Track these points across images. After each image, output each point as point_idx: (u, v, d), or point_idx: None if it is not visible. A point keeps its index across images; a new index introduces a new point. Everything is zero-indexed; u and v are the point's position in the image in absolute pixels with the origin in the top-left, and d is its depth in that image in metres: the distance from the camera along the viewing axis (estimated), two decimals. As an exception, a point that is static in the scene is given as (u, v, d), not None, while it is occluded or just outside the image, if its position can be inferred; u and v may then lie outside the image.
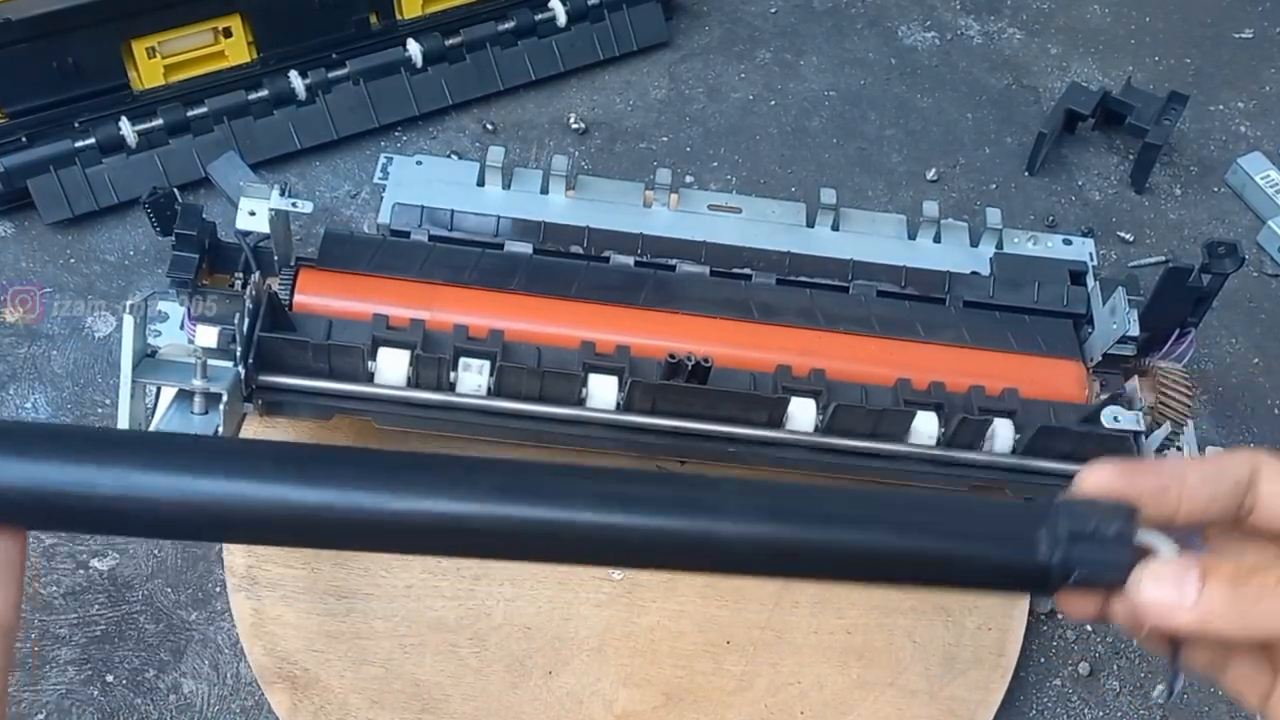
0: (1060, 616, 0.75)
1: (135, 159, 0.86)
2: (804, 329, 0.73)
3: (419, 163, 0.84)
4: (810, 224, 0.85)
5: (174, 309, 0.70)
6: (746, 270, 0.81)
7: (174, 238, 0.69)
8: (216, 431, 0.64)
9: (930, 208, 0.84)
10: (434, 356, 0.66)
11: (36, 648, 0.69)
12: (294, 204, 0.68)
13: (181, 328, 0.69)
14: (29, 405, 0.78)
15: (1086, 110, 0.97)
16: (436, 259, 0.74)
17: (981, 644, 0.73)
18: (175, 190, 0.70)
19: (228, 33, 0.87)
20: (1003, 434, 0.69)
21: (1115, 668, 0.74)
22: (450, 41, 0.93)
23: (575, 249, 0.80)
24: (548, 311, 0.72)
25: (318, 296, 0.71)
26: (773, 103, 1.00)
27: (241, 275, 0.71)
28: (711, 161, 0.96)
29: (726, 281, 0.76)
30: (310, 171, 0.91)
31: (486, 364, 0.67)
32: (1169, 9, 1.11)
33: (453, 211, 0.80)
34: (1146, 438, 0.70)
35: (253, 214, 0.68)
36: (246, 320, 0.64)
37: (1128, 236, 0.95)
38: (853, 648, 0.72)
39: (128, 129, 0.85)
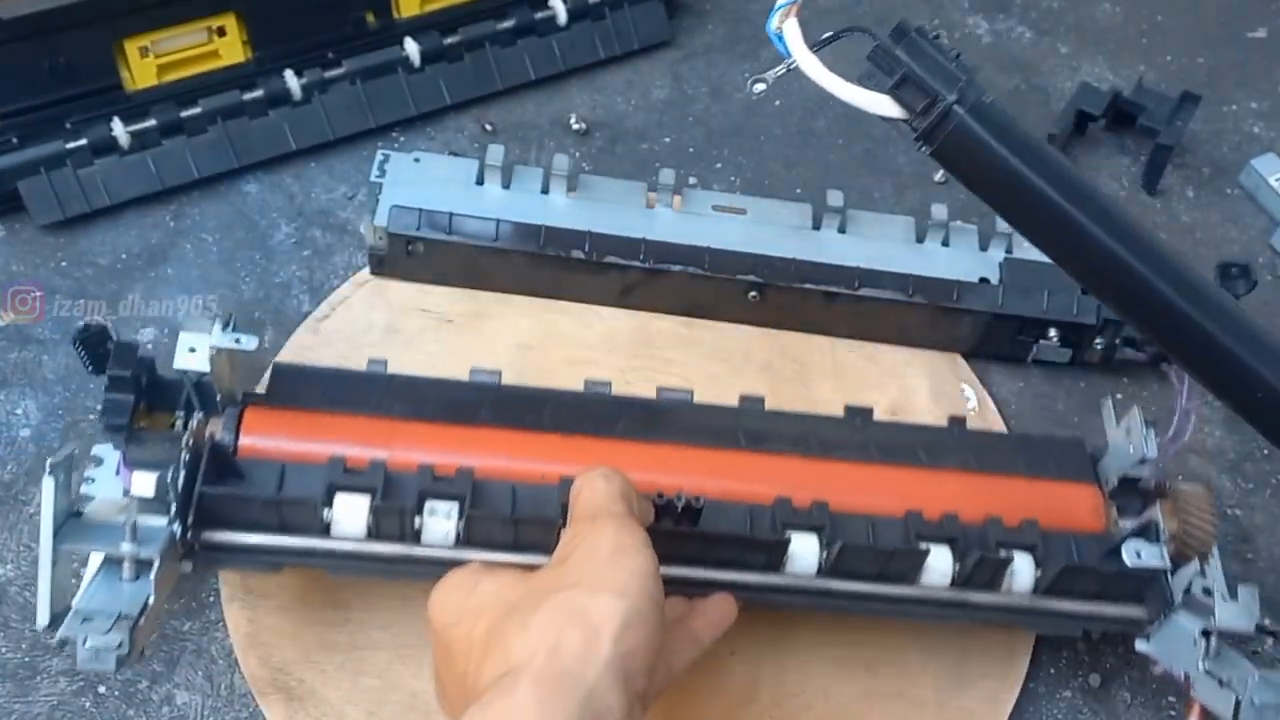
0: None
1: (128, 160, 0.84)
2: (799, 458, 0.69)
3: (416, 160, 0.83)
4: (816, 226, 0.84)
5: (109, 453, 0.63)
6: (751, 276, 0.80)
7: (106, 379, 0.63)
8: (146, 603, 0.57)
9: (939, 210, 0.83)
10: (395, 506, 0.60)
11: (27, 658, 0.67)
12: (237, 340, 0.62)
13: (117, 473, 0.63)
14: (19, 411, 0.77)
15: (1097, 111, 0.96)
16: (396, 391, 0.69)
17: (991, 655, 0.72)
18: (109, 325, 0.65)
19: (222, 32, 0.86)
20: (1023, 571, 0.65)
21: (1127, 679, 0.73)
22: (448, 40, 0.92)
23: (576, 253, 0.80)
24: (519, 447, 0.67)
25: (267, 438, 0.65)
26: (777, 103, 0.99)
27: (184, 414, 0.65)
28: (715, 162, 0.94)
29: (711, 408, 0.72)
30: (306, 173, 0.90)
31: (455, 507, 0.61)
32: (1181, 7, 1.09)
33: (451, 214, 0.79)
34: (1173, 575, 0.65)
35: (193, 350, 0.63)
36: (183, 473, 0.59)
37: (1139, 239, 0.93)
38: (859, 659, 0.70)
39: (120, 130, 0.83)
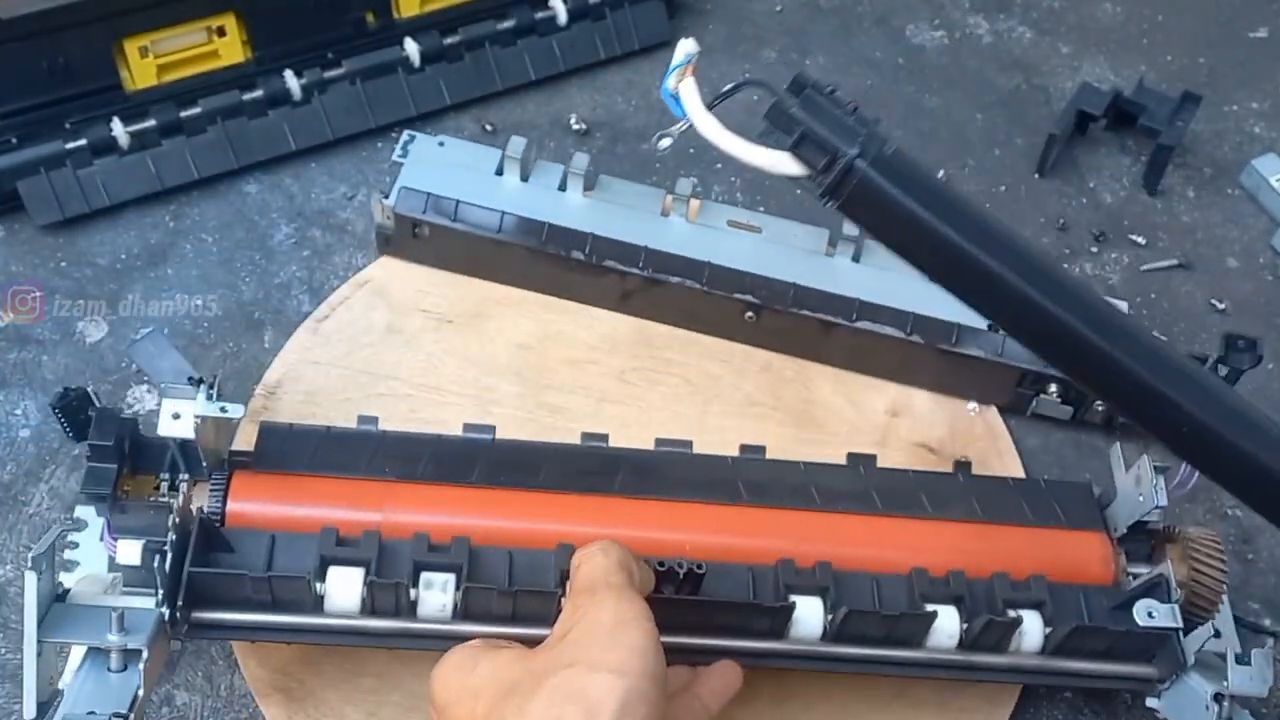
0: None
1: (127, 160, 0.84)
2: (801, 511, 0.67)
3: (441, 144, 0.83)
4: (831, 249, 0.82)
5: (92, 516, 0.63)
6: (748, 296, 0.79)
7: (88, 448, 0.62)
8: (136, 695, 0.56)
9: None
10: (390, 582, 0.59)
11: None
12: (223, 409, 0.61)
13: (101, 539, 0.62)
14: (19, 412, 0.77)
15: (1098, 111, 0.96)
16: (387, 450, 0.67)
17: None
18: (90, 392, 0.63)
19: (221, 32, 0.86)
20: (1031, 629, 0.63)
21: (1127, 681, 0.73)
22: (448, 40, 0.92)
23: (576, 254, 0.79)
24: (515, 507, 0.65)
25: (255, 503, 0.63)
26: (778, 103, 0.99)
27: (169, 476, 0.64)
28: (715, 163, 0.94)
29: (710, 460, 0.70)
30: (305, 173, 0.89)
31: (451, 579, 0.60)
32: (1182, 7, 1.09)
33: (458, 202, 0.80)
34: (1185, 634, 0.64)
35: (177, 417, 0.61)
36: (170, 555, 0.57)
37: (1139, 240, 0.93)
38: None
39: (120, 130, 0.83)
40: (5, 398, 0.77)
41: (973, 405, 0.82)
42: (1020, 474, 0.80)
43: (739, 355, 0.83)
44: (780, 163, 0.51)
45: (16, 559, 0.71)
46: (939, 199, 0.50)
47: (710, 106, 0.53)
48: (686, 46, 0.53)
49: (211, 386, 0.61)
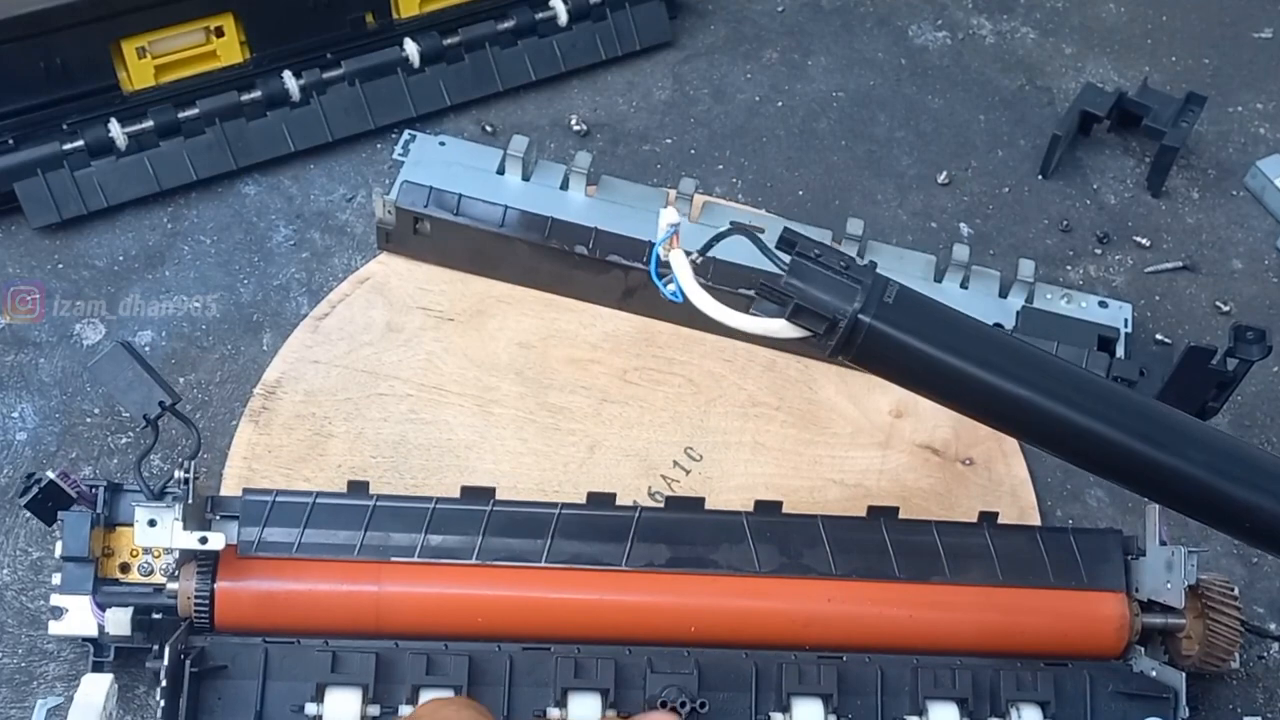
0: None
1: (125, 161, 0.84)
2: (817, 580, 0.66)
3: (441, 143, 0.83)
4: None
5: (72, 602, 0.63)
6: (751, 292, 0.78)
7: (61, 559, 0.62)
8: None
9: (960, 251, 0.81)
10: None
11: (23, 664, 0.67)
12: (203, 539, 0.59)
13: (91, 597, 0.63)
14: (16, 415, 0.76)
15: (1102, 112, 0.95)
16: (379, 521, 0.64)
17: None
18: (55, 479, 0.62)
19: (219, 32, 0.85)
20: None
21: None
22: (448, 41, 0.91)
23: (580, 249, 0.79)
24: (517, 585, 0.64)
25: (243, 581, 0.62)
26: (779, 104, 0.98)
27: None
28: (717, 164, 0.94)
29: (723, 519, 0.67)
30: (305, 174, 0.89)
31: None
32: (1187, 8, 1.09)
33: (460, 196, 0.79)
34: None
35: (153, 524, 0.59)
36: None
37: (1144, 241, 0.92)
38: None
39: (117, 131, 0.83)
40: (2, 400, 0.77)
41: (977, 406, 0.81)
42: (1023, 474, 0.79)
43: (742, 354, 0.82)
44: (779, 330, 0.50)
45: (13, 562, 0.71)
46: (952, 331, 0.50)
47: (697, 256, 0.52)
48: (668, 216, 0.52)
49: (186, 482, 0.60)
